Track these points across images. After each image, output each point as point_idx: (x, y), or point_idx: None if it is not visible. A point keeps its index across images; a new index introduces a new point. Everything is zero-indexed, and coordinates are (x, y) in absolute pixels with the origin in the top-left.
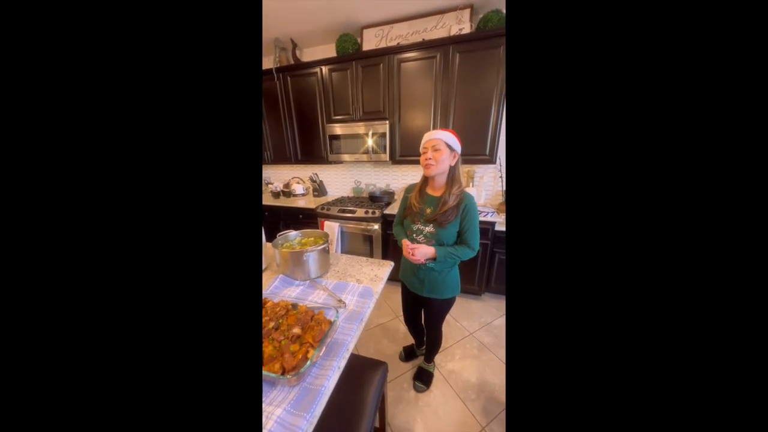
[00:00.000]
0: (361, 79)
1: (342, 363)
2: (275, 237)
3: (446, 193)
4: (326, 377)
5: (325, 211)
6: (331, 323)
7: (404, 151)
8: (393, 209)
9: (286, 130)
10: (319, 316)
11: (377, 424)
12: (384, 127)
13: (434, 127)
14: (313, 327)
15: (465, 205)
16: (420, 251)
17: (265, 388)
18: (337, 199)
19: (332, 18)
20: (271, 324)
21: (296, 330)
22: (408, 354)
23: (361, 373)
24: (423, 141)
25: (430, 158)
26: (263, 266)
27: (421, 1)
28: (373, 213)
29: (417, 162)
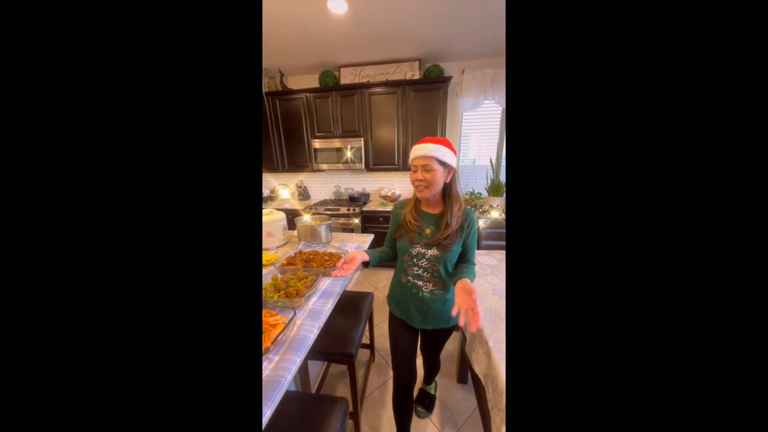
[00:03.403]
0: (340, 105)
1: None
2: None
3: (447, 215)
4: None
5: (313, 212)
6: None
7: (376, 161)
8: (369, 207)
9: (273, 144)
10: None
11: None
12: (359, 142)
13: (398, 141)
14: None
15: (469, 222)
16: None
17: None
18: (321, 201)
19: (315, 57)
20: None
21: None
22: (426, 405)
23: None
24: (411, 156)
25: (421, 180)
26: (283, 242)
27: (384, 53)
28: (354, 210)
29: (388, 170)
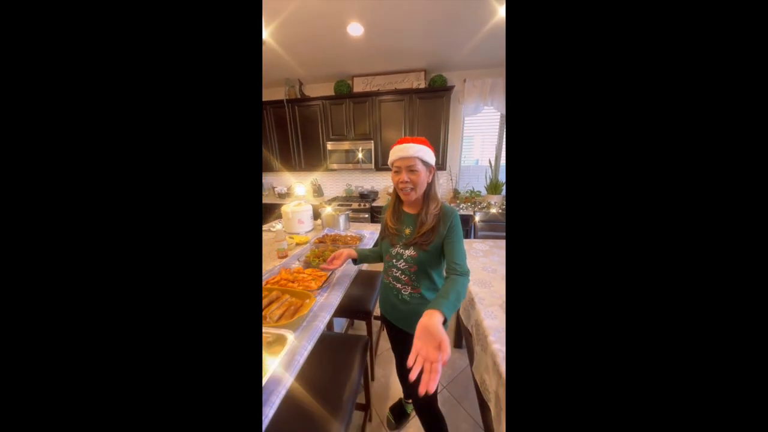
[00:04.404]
0: (352, 111)
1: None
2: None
3: (423, 213)
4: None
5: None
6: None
7: (384, 162)
8: (378, 203)
9: (292, 146)
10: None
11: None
12: (370, 144)
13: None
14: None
15: (450, 221)
16: (431, 346)
17: None
18: (333, 198)
19: (331, 68)
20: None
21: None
22: (398, 416)
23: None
24: (393, 156)
25: (407, 181)
26: (311, 228)
27: (393, 65)
28: (364, 206)
29: None
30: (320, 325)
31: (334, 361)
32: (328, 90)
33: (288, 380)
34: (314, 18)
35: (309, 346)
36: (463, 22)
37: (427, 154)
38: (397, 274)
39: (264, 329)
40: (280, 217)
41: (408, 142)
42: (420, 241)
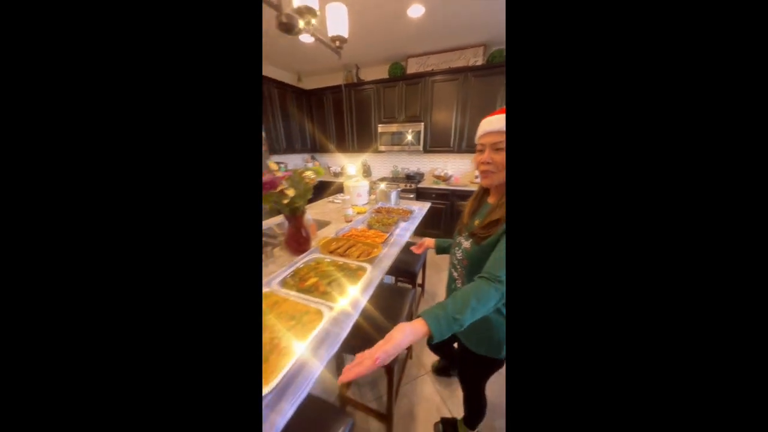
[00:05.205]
0: (405, 93)
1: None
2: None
3: (498, 200)
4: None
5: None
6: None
7: (433, 144)
8: (424, 184)
9: (346, 128)
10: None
11: None
12: (419, 126)
13: (455, 125)
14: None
15: None
16: (387, 346)
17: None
18: (381, 178)
19: (387, 51)
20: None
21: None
22: (440, 370)
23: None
24: (480, 132)
25: (488, 162)
26: (367, 201)
27: (450, 42)
28: (410, 186)
29: (443, 152)
30: (387, 263)
31: (388, 305)
32: (382, 73)
33: (363, 301)
34: (375, 6)
35: (380, 276)
36: None
37: None
38: (455, 262)
39: (350, 261)
40: (335, 192)
41: (502, 113)
42: (478, 232)
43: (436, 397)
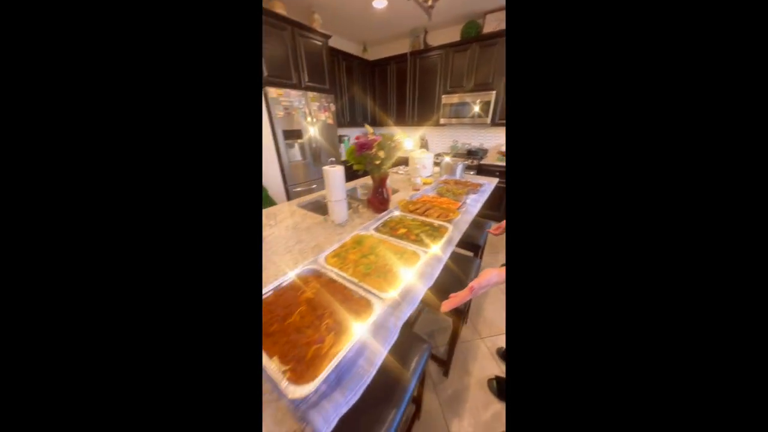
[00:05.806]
0: (477, 57)
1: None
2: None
3: None
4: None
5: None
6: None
7: (502, 116)
8: (487, 161)
9: (408, 101)
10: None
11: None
12: (490, 96)
13: None
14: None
15: None
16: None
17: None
18: (438, 154)
19: (462, 7)
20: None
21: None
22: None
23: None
24: None
25: None
26: (431, 173)
27: None
28: (472, 162)
29: None
30: (463, 227)
31: (454, 270)
32: (454, 35)
33: (444, 257)
34: None
35: (459, 236)
36: None
37: None
38: None
39: (431, 220)
40: (396, 165)
41: None
42: None
43: (490, 360)
